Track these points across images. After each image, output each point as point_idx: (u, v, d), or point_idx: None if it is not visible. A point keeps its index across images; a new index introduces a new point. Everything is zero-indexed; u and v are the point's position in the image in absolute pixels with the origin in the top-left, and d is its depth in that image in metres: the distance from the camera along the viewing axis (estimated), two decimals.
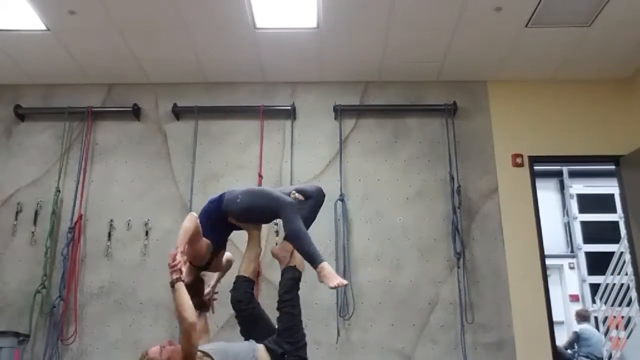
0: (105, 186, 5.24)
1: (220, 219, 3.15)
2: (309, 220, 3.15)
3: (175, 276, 2.71)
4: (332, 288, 2.83)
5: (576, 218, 7.80)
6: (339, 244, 4.95)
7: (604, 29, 4.63)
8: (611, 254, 6.62)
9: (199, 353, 2.72)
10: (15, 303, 4.90)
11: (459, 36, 4.77)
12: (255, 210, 3.11)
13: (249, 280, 3.16)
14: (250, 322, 3.07)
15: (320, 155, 5.27)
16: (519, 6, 4.40)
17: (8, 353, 4.52)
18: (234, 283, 3.17)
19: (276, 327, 2.97)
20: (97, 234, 5.09)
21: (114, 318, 4.86)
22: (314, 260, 2.89)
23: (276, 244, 4.95)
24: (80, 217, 5.11)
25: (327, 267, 2.86)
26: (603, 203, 7.71)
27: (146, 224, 5.08)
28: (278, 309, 2.99)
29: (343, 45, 4.92)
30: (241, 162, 5.25)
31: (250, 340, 2.96)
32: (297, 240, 2.95)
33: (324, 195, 3.26)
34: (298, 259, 3.10)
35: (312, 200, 3.18)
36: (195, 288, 3.07)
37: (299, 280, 3.11)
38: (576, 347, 6.90)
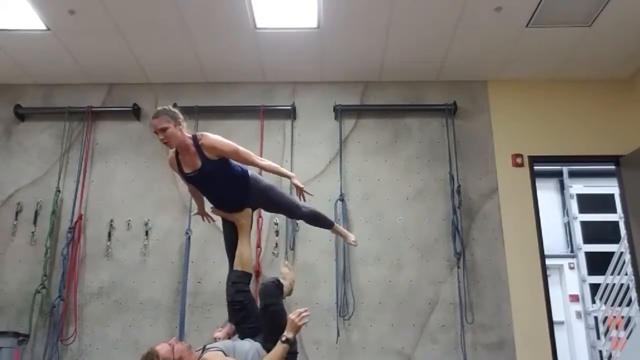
0: (105, 186, 5.23)
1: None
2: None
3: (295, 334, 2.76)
4: (351, 243, 3.72)
5: (576, 218, 7.78)
6: (339, 244, 4.94)
7: (604, 29, 4.63)
8: (611, 254, 6.60)
9: (208, 353, 2.71)
10: (15, 303, 4.90)
11: (459, 36, 4.77)
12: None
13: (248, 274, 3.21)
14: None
15: (320, 155, 5.27)
16: (519, 6, 4.40)
17: (8, 353, 4.52)
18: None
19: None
20: (97, 234, 5.09)
21: (114, 318, 4.86)
22: (329, 223, 3.66)
23: (276, 244, 4.97)
24: (80, 217, 5.10)
25: (339, 227, 3.80)
26: (603, 203, 7.69)
27: (146, 224, 5.08)
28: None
29: (343, 45, 4.92)
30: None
31: (248, 339, 2.96)
32: (315, 215, 3.57)
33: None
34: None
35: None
36: None
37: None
38: None
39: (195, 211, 3.63)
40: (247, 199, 3.27)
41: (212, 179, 3.15)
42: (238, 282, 3.11)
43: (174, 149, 3.18)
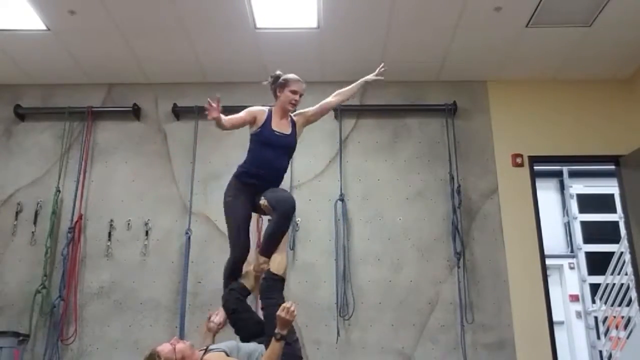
0: (105, 186, 5.23)
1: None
2: (276, 229, 3.14)
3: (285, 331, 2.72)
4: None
5: (576, 218, 7.78)
6: (339, 244, 4.95)
7: (604, 29, 4.63)
8: (611, 254, 6.60)
9: (209, 354, 2.71)
10: (15, 303, 4.90)
11: (459, 36, 4.77)
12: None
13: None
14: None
15: (320, 155, 5.26)
16: (519, 6, 4.40)
17: (8, 353, 4.52)
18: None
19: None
20: (97, 234, 5.09)
21: (114, 318, 4.86)
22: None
23: None
24: (80, 217, 5.10)
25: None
26: (603, 203, 7.70)
27: (146, 224, 5.08)
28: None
29: (343, 45, 4.93)
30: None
31: (254, 342, 2.97)
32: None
33: (290, 207, 3.18)
34: (275, 264, 3.12)
35: (276, 213, 3.13)
36: None
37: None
38: None
39: None
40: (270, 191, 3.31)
41: (286, 148, 3.45)
42: (234, 289, 3.14)
43: (267, 108, 3.51)
